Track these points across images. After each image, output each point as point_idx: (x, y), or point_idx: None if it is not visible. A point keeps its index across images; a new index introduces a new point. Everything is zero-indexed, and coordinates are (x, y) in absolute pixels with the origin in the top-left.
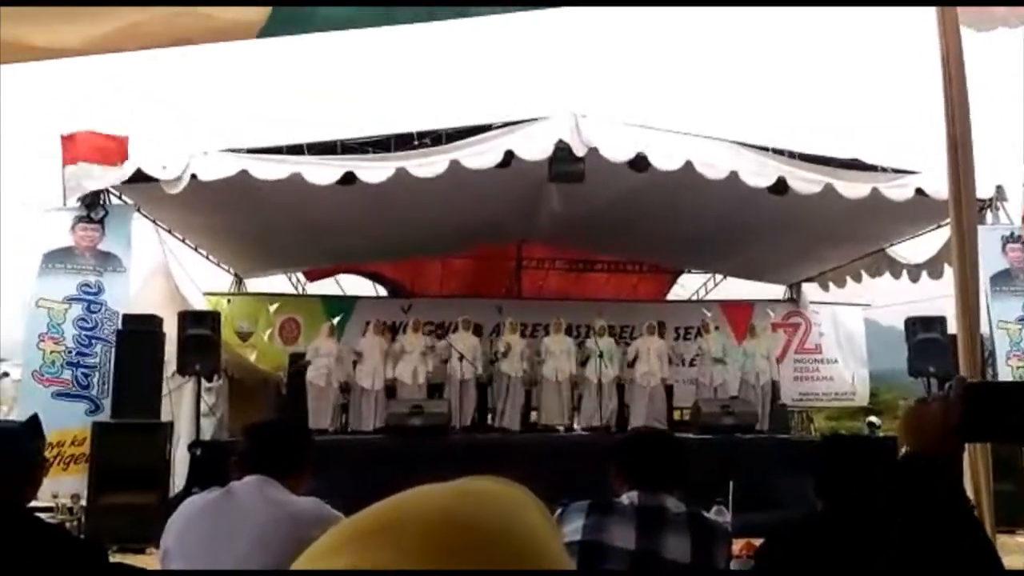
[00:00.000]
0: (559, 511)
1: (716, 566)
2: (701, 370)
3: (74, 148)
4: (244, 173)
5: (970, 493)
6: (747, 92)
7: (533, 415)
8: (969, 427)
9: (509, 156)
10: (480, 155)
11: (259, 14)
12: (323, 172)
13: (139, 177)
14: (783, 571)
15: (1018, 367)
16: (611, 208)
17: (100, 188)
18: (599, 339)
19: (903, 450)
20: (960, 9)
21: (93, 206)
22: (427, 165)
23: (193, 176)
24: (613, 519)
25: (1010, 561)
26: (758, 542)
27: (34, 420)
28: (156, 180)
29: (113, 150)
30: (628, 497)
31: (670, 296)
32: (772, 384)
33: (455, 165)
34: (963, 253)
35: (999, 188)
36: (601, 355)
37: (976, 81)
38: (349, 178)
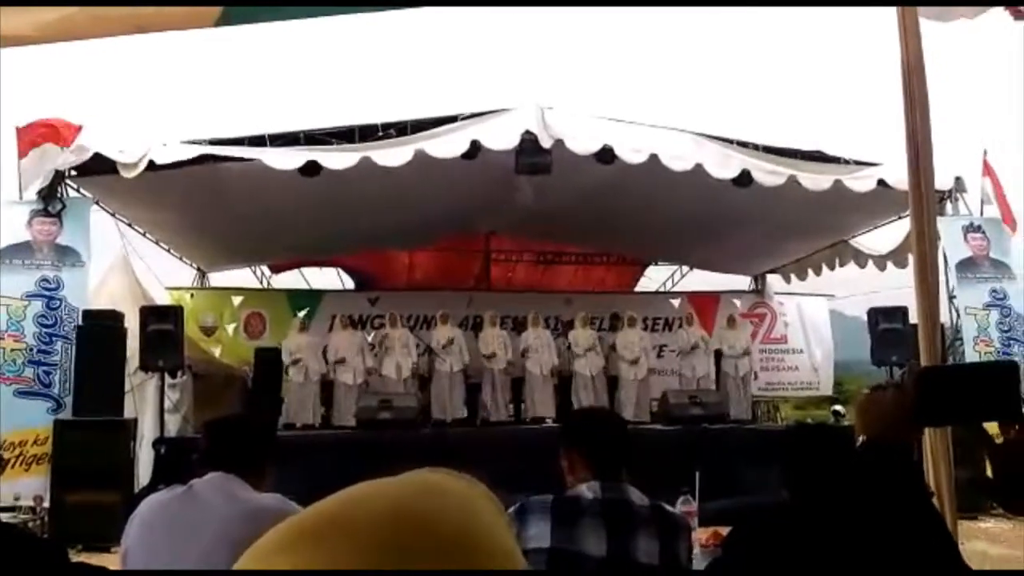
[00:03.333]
0: (519, 505)
1: (680, 561)
2: (680, 362)
3: (29, 136)
4: (206, 164)
5: (931, 480)
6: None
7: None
8: (924, 412)
9: (475, 146)
10: (446, 144)
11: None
12: (285, 159)
13: (97, 168)
14: (751, 559)
15: (985, 352)
16: (579, 200)
17: (60, 168)
18: (580, 331)
19: (860, 439)
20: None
21: (50, 199)
22: (392, 155)
23: (151, 163)
24: (583, 522)
25: (973, 546)
26: (725, 531)
27: None
28: (115, 173)
29: (69, 134)
30: (590, 489)
31: (638, 288)
32: (750, 375)
33: (420, 154)
34: (922, 243)
35: (958, 179)
36: (569, 347)
37: (935, 76)
38: (313, 168)
